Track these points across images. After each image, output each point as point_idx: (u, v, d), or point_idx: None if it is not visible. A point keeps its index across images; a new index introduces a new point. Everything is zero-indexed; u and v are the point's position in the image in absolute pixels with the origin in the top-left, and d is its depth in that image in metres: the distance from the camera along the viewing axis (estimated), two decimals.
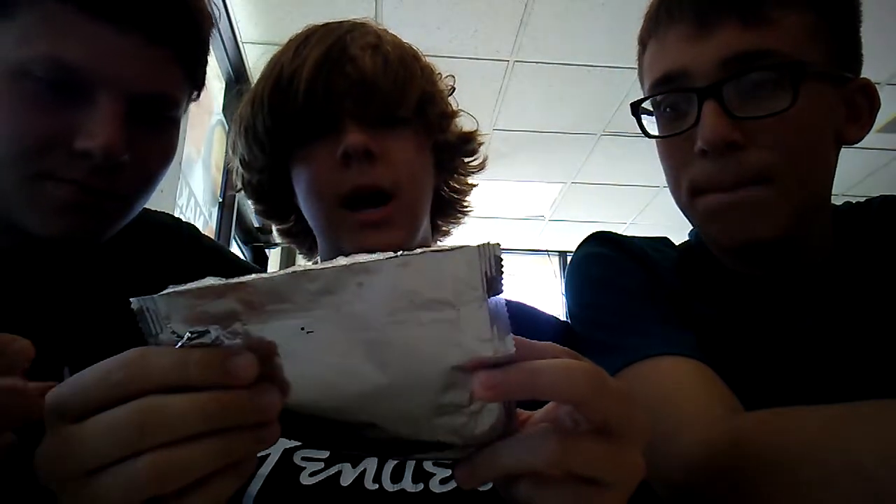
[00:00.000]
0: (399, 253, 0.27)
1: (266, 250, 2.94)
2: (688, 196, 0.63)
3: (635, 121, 0.67)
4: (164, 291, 0.27)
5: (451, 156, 0.72)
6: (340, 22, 0.67)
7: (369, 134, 0.60)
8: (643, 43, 0.67)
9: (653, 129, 0.67)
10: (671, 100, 0.63)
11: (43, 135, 0.51)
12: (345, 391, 0.31)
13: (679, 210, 0.67)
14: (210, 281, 0.27)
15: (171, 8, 0.55)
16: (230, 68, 2.42)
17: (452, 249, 0.27)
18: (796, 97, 0.56)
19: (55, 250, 0.57)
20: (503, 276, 0.29)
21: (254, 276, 0.27)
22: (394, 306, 0.28)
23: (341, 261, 0.27)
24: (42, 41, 0.50)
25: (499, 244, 0.28)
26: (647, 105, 0.66)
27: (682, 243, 0.77)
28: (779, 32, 0.57)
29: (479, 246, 0.28)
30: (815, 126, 0.59)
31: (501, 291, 0.29)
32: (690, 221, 0.68)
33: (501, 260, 0.29)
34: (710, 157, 0.58)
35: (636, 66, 0.71)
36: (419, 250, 0.27)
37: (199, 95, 0.65)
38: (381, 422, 0.32)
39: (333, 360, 0.30)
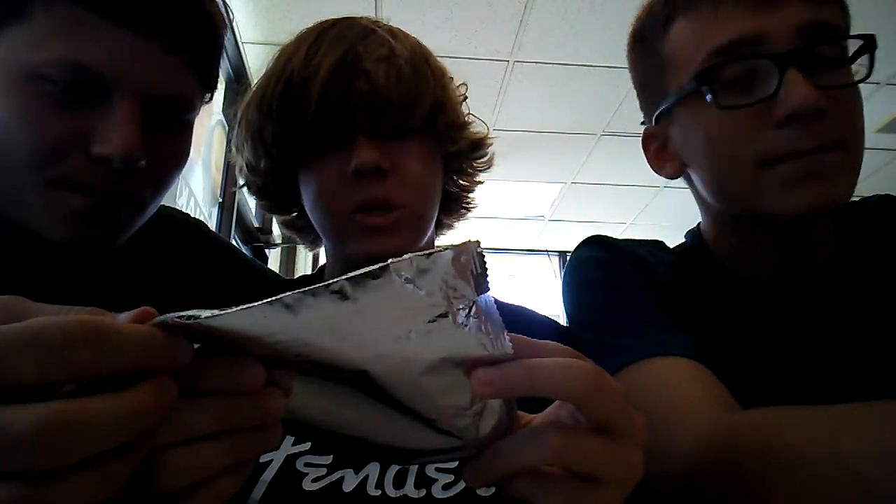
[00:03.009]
0: (388, 262, 0.27)
1: (266, 250, 2.94)
2: (755, 168, 0.60)
3: (703, 93, 0.61)
4: (153, 322, 0.27)
5: (460, 161, 0.72)
6: (352, 23, 0.65)
7: (380, 148, 0.60)
8: (669, 17, 0.65)
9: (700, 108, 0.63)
10: (740, 70, 0.60)
11: (58, 139, 0.50)
12: (345, 411, 0.30)
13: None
14: (194, 315, 0.27)
15: (187, 13, 0.55)
16: (230, 68, 2.42)
17: (436, 252, 0.27)
18: (871, 69, 0.58)
19: (68, 256, 0.56)
20: (488, 273, 0.29)
21: (240, 313, 0.26)
22: (391, 320, 0.28)
23: (333, 285, 0.26)
24: (58, 44, 0.49)
25: (479, 242, 0.28)
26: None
27: (678, 246, 0.77)
28: (833, 11, 0.60)
29: (460, 245, 0.28)
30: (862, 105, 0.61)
31: (488, 289, 0.29)
32: (740, 202, 0.63)
33: (484, 257, 0.29)
34: (794, 124, 0.57)
35: None
36: (406, 256, 0.27)
37: (211, 98, 0.65)
38: (384, 433, 0.32)
39: (331, 384, 0.29)
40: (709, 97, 0.61)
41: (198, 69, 0.58)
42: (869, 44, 0.59)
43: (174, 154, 0.59)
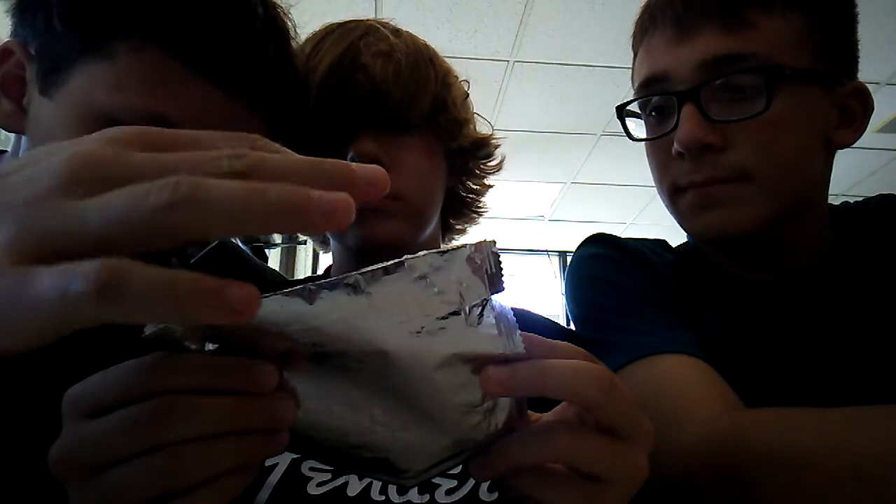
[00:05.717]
0: (403, 258, 0.27)
1: (266, 250, 2.94)
2: (669, 196, 0.65)
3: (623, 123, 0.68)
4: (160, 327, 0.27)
5: (464, 160, 0.72)
6: (358, 22, 0.66)
7: (380, 142, 0.60)
8: (634, 51, 0.68)
9: (640, 132, 0.69)
10: (655, 103, 0.64)
11: None
12: (356, 415, 0.30)
13: None
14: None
15: (277, 72, 0.53)
16: None
17: (451, 250, 0.27)
18: (770, 101, 0.57)
19: None
20: (503, 273, 0.29)
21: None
22: (404, 315, 0.28)
23: (348, 278, 0.27)
24: (141, 91, 0.46)
25: (494, 241, 0.29)
26: (636, 108, 0.68)
27: (680, 245, 0.77)
28: (761, 36, 0.58)
29: (476, 244, 0.28)
30: (795, 128, 0.59)
31: (503, 289, 0.29)
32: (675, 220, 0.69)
33: (499, 257, 0.29)
34: (687, 158, 0.60)
35: None
36: (422, 253, 0.27)
37: None
38: (392, 436, 0.32)
39: (345, 384, 0.29)
40: (625, 129, 0.67)
41: (273, 126, 0.56)
42: (770, 76, 0.57)
43: None
